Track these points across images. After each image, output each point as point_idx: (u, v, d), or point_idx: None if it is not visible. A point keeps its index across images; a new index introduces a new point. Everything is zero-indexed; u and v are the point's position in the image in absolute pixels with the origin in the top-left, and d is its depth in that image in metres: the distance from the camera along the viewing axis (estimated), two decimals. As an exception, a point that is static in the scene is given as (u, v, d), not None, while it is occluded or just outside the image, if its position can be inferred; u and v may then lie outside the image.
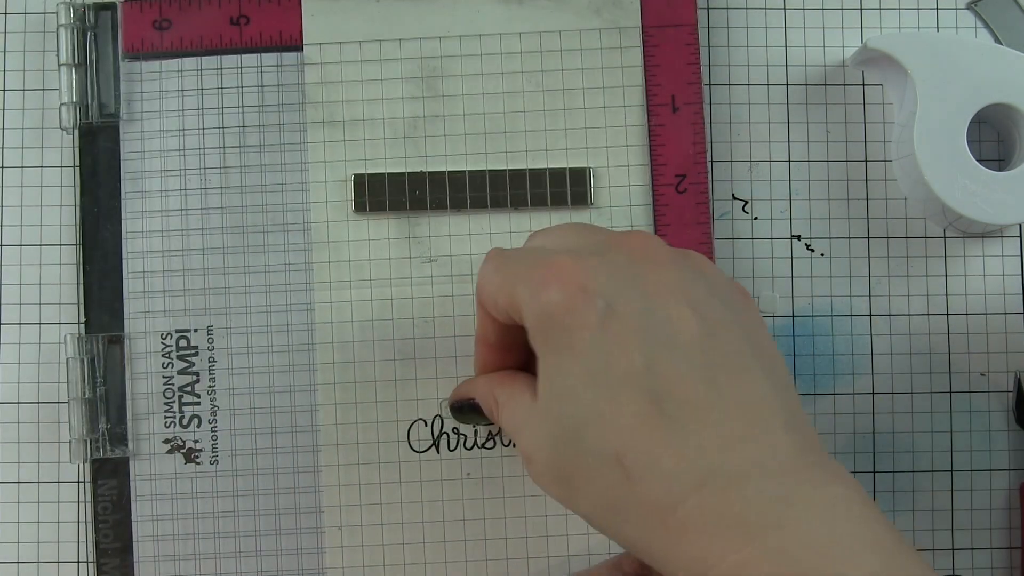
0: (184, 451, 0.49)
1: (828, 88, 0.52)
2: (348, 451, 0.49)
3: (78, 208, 0.50)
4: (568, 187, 0.50)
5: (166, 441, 0.49)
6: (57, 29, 0.50)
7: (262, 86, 0.50)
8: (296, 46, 0.50)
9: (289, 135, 0.50)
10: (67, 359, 0.49)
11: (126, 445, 0.49)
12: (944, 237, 0.51)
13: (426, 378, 0.49)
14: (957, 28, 0.52)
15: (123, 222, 0.49)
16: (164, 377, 0.49)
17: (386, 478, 0.49)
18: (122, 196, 0.50)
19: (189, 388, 0.49)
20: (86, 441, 0.49)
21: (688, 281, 0.38)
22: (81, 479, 0.50)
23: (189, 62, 0.50)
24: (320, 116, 0.50)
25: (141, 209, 0.49)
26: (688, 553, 0.35)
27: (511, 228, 0.50)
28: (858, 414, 0.51)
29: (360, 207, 0.49)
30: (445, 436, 0.49)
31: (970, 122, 0.48)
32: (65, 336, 0.49)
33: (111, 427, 0.49)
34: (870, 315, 0.51)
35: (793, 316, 0.51)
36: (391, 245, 0.49)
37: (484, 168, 0.50)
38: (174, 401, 0.49)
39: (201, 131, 0.50)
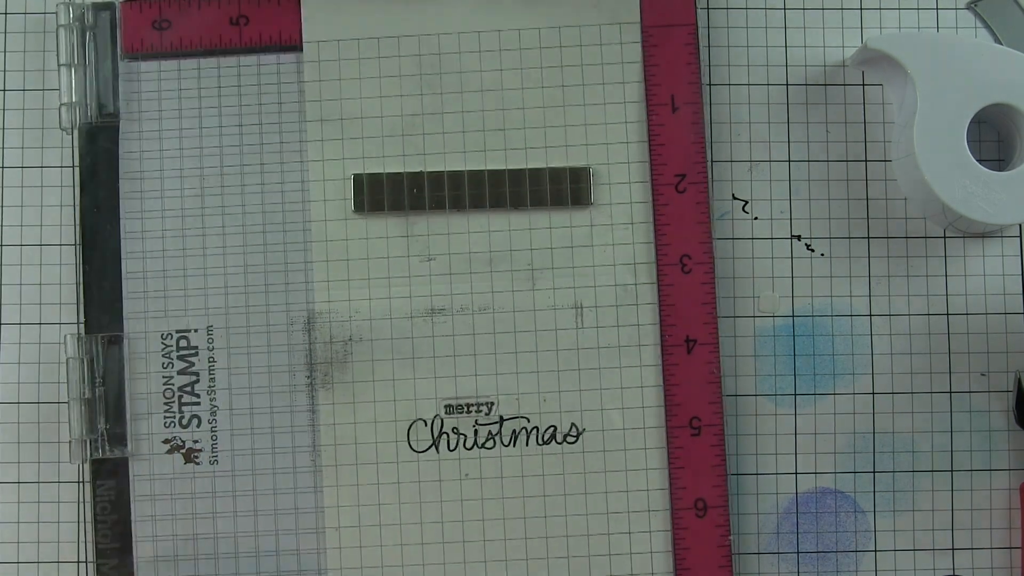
0: (184, 451, 0.49)
1: (828, 88, 0.52)
2: (347, 451, 0.49)
3: (78, 208, 0.50)
4: (568, 186, 0.50)
5: (166, 441, 0.49)
6: (57, 29, 0.50)
7: (261, 86, 0.50)
8: (295, 46, 0.50)
9: (288, 135, 0.50)
10: (67, 359, 0.49)
11: (125, 445, 0.49)
12: (944, 237, 0.51)
13: (425, 378, 0.49)
14: (957, 28, 0.52)
15: (122, 222, 0.49)
16: (164, 377, 0.49)
17: (385, 478, 0.49)
18: (121, 196, 0.50)
19: (189, 388, 0.49)
20: (86, 441, 0.49)
21: None
22: (81, 479, 0.50)
23: (188, 62, 0.50)
24: (319, 115, 0.50)
25: (140, 209, 0.49)
26: None
27: (510, 227, 0.50)
28: (858, 414, 0.51)
29: (359, 206, 0.49)
30: (445, 436, 0.49)
31: (970, 122, 0.48)
32: (65, 336, 0.49)
33: (111, 427, 0.49)
34: (870, 315, 0.51)
35: (793, 316, 0.51)
36: (390, 244, 0.49)
37: (483, 167, 0.50)
38: (174, 401, 0.49)
39: (200, 131, 0.50)
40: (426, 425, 0.49)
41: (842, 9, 0.52)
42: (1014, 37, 0.52)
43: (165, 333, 0.49)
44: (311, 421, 0.49)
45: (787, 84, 0.52)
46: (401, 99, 0.50)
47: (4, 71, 0.51)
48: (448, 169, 0.50)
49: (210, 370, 0.49)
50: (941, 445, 0.51)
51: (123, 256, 0.49)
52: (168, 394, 0.49)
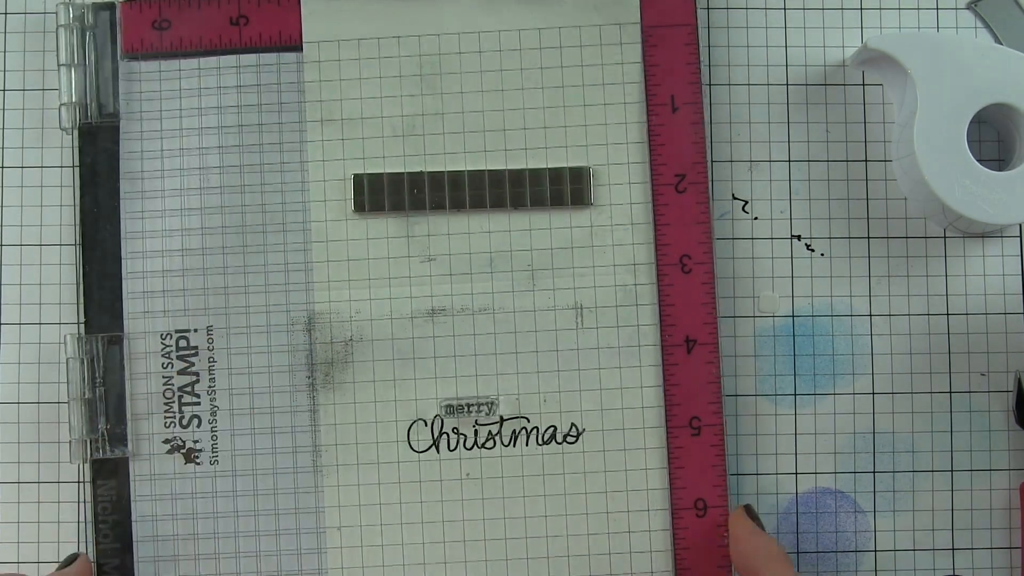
0: (184, 451, 0.49)
1: (828, 88, 0.52)
2: (348, 451, 0.49)
3: (78, 208, 0.50)
4: (567, 186, 0.50)
5: (166, 441, 0.49)
6: (57, 29, 0.50)
7: (261, 86, 0.50)
8: (295, 46, 0.50)
9: (288, 135, 0.50)
10: (67, 359, 0.49)
11: (126, 445, 0.49)
12: (944, 237, 0.51)
13: (426, 378, 0.49)
14: (957, 28, 0.52)
15: (122, 222, 0.49)
16: (164, 377, 0.49)
17: (386, 478, 0.49)
18: (121, 196, 0.50)
19: (189, 388, 0.49)
20: (86, 441, 0.49)
21: None
22: (81, 479, 0.50)
23: (188, 62, 0.50)
24: (319, 115, 0.50)
25: (140, 209, 0.49)
26: None
27: (511, 228, 0.50)
28: (858, 414, 0.51)
29: (359, 206, 0.49)
30: (445, 436, 0.49)
31: (970, 122, 0.48)
32: (65, 336, 0.49)
33: (111, 427, 0.49)
34: (870, 315, 0.51)
35: (793, 316, 0.51)
36: (390, 244, 0.49)
37: (483, 167, 0.50)
38: (174, 401, 0.49)
39: (200, 131, 0.50)
40: (426, 425, 0.49)
41: (842, 9, 0.52)
42: (1014, 37, 0.52)
43: (165, 333, 0.49)
44: (312, 421, 0.49)
45: (787, 84, 0.52)
46: (401, 99, 0.50)
47: (4, 71, 0.51)
48: (448, 169, 0.50)
49: (210, 370, 0.49)
50: (941, 445, 0.51)
51: (123, 256, 0.49)
52: (168, 394, 0.49)
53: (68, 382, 0.49)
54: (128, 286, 0.49)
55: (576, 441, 0.49)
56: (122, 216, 0.49)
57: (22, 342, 0.50)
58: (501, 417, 0.49)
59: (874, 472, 0.51)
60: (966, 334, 0.51)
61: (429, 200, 0.49)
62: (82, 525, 0.50)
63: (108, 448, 0.49)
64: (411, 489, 0.49)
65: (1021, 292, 0.51)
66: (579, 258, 0.50)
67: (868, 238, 0.51)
